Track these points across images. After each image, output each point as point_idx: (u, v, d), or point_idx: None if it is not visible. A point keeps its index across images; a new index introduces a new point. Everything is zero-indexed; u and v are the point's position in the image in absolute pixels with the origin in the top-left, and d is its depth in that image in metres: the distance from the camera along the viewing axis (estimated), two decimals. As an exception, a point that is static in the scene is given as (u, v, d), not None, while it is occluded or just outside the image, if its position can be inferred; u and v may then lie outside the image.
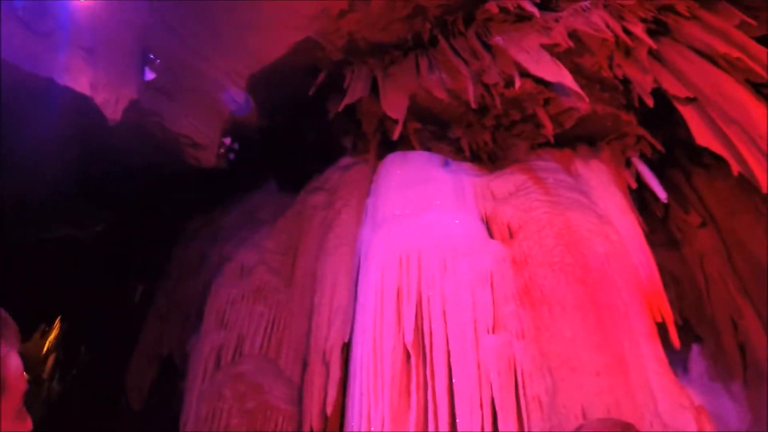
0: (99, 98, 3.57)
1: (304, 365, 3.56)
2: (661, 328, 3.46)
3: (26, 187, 4.62)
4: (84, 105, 3.53)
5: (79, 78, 3.46)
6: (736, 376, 4.43)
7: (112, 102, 3.66)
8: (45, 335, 8.55)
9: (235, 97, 4.03)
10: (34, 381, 8.62)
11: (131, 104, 3.74)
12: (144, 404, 5.21)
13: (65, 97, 3.45)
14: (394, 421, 2.95)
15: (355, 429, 3.03)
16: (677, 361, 4.13)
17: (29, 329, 8.19)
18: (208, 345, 3.91)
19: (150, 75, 4.04)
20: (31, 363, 8.57)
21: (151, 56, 3.96)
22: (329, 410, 3.40)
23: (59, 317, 8.10)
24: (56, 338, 8.47)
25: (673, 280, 4.53)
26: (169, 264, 5.16)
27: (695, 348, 4.50)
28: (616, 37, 3.65)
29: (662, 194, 3.94)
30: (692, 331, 4.55)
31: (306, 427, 3.49)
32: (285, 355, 3.68)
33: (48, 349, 8.58)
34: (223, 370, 3.84)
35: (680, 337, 3.55)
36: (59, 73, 3.36)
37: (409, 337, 2.97)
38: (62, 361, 8.13)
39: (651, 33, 3.79)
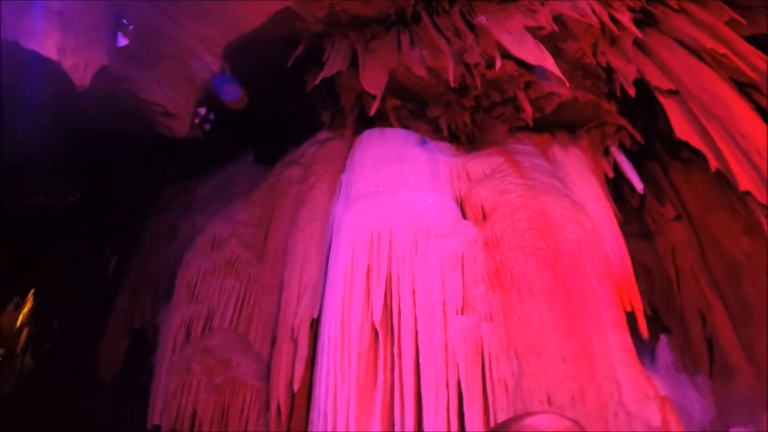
0: (67, 63, 3.40)
1: (273, 341, 3.55)
2: (630, 318, 3.49)
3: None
4: (53, 70, 3.38)
5: (46, 42, 3.29)
6: (702, 369, 4.52)
7: (81, 67, 3.49)
8: (18, 308, 8.42)
9: (211, 66, 3.92)
10: (8, 355, 8.52)
11: (101, 70, 3.59)
12: (115, 377, 5.17)
13: (33, 61, 3.30)
14: (359, 399, 2.95)
15: (321, 406, 3.02)
16: (644, 350, 4.20)
17: (2, 302, 8.06)
18: (177, 318, 3.86)
19: (123, 41, 3.91)
20: (5, 336, 8.45)
21: (124, 21, 3.83)
22: (296, 386, 3.39)
23: (33, 290, 7.97)
24: (30, 311, 8.35)
25: (645, 270, 4.59)
26: (143, 235, 5.07)
27: (663, 339, 4.57)
28: (602, 24, 3.62)
29: (639, 185, 3.96)
30: (661, 322, 4.63)
31: (273, 403, 3.49)
32: (255, 330, 3.65)
33: (21, 322, 8.46)
34: (192, 344, 3.80)
35: (649, 327, 3.59)
36: (25, 37, 3.20)
37: (378, 316, 2.95)
38: (35, 335, 8.02)
39: (638, 23, 3.77)
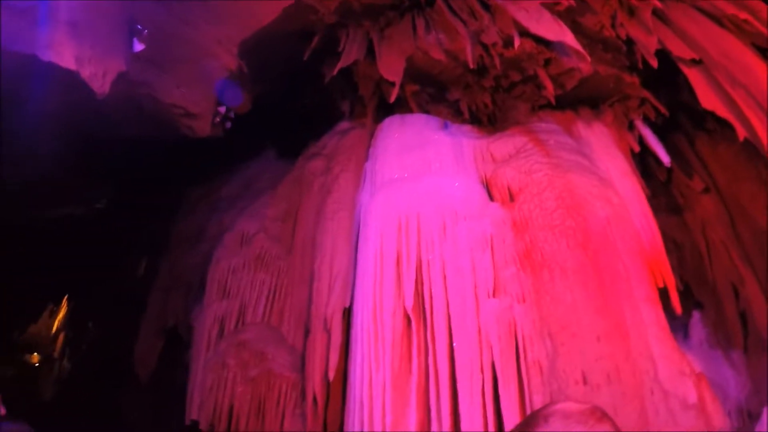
0: (85, 72, 3.42)
1: (307, 332, 3.60)
2: (663, 294, 3.44)
3: (23, 167, 4.60)
4: (72, 80, 3.41)
5: (63, 53, 3.32)
6: (736, 345, 4.43)
7: (100, 75, 3.51)
8: (53, 315, 8.69)
9: (228, 65, 3.96)
10: (46, 360, 8.81)
11: (120, 77, 3.61)
12: (152, 376, 5.29)
13: (52, 73, 3.34)
14: (395, 386, 2.98)
15: (357, 394, 3.06)
16: (678, 326, 4.13)
17: (37, 310, 8.31)
18: (211, 315, 3.94)
19: (138, 46, 3.93)
20: (42, 343, 8.73)
21: (139, 27, 3.87)
22: (331, 376, 3.44)
23: (66, 296, 8.20)
24: (64, 317, 8.61)
25: (675, 245, 4.51)
26: (171, 236, 5.17)
27: (696, 314, 4.50)
28: (620, -5, 3.55)
29: (665, 158, 3.90)
30: (693, 297, 4.54)
31: (309, 393, 3.54)
32: (287, 322, 3.71)
33: (57, 328, 8.73)
34: (227, 339, 3.88)
35: (681, 302, 3.54)
36: (42, 50, 3.24)
37: (410, 302, 2.98)
38: (71, 339, 8.27)
39: (656, -8, 3.69)
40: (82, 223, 6.08)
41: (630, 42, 3.78)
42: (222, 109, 4.24)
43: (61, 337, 8.65)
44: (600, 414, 0.78)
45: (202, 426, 3.69)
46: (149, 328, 5.18)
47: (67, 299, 8.28)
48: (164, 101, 4.29)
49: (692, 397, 3.03)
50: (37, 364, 9.06)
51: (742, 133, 3.73)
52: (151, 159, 4.86)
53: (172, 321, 4.89)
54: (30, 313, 8.29)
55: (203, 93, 4.16)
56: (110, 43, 3.66)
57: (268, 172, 4.53)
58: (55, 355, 8.74)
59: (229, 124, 4.35)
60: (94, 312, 7.30)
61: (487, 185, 3.35)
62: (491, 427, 2.76)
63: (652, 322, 3.28)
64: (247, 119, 4.47)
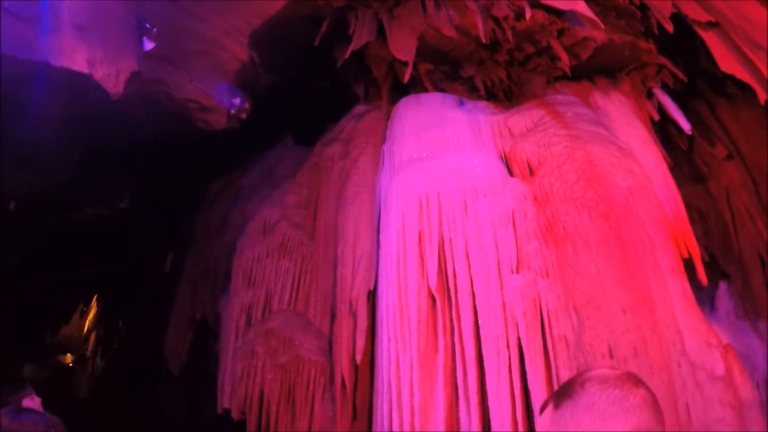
0: (98, 74, 3.50)
1: (333, 316, 3.65)
2: (688, 265, 3.40)
3: (44, 173, 4.71)
4: (85, 83, 3.49)
5: (75, 57, 3.38)
6: (764, 315, 4.35)
7: (113, 76, 3.58)
8: (84, 315, 8.96)
9: (240, 56, 3.99)
10: (79, 360, 9.10)
11: (132, 76, 3.67)
12: (184, 368, 5.40)
13: (65, 78, 3.41)
14: (422, 365, 3.00)
15: (385, 375, 3.09)
16: (704, 298, 4.07)
17: (68, 311, 8.58)
18: (237, 304, 4.01)
19: (149, 44, 3.98)
20: (74, 343, 9.02)
21: (147, 25, 3.91)
22: (358, 359, 3.47)
23: (96, 295, 8.44)
24: (95, 317, 8.87)
25: (699, 215, 4.42)
26: (194, 229, 5.26)
27: (722, 285, 4.41)
28: (632, -41, 3.47)
29: (686, 126, 3.81)
30: (719, 267, 4.46)
31: (337, 377, 3.59)
32: (313, 308, 3.77)
33: (88, 327, 9.01)
34: (254, 328, 3.95)
35: (707, 273, 3.48)
36: (54, 55, 3.31)
37: (433, 281, 2.99)
38: (103, 338, 8.52)
39: (668, -46, 3.61)
40: (108, 223, 6.23)
41: (644, 7, 3.69)
42: (236, 101, 4.28)
43: (93, 336, 8.92)
44: (636, 379, 0.81)
45: (234, 414, 3.77)
46: (179, 322, 5.29)
47: (97, 299, 8.51)
48: (178, 97, 4.36)
49: (720, 369, 2.99)
50: (71, 365, 9.37)
51: (763, 96, 3.65)
52: (171, 156, 4.95)
53: (201, 313, 4.99)
54: (61, 315, 8.57)
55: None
56: (120, 43, 3.71)
57: (286, 159, 4.57)
58: (88, 354, 9.02)
59: (244, 115, 4.40)
60: (123, 310, 7.49)
61: (506, 160, 3.33)
62: (519, 402, 2.76)
63: (677, 293, 3.24)
64: (263, 109, 4.51)
